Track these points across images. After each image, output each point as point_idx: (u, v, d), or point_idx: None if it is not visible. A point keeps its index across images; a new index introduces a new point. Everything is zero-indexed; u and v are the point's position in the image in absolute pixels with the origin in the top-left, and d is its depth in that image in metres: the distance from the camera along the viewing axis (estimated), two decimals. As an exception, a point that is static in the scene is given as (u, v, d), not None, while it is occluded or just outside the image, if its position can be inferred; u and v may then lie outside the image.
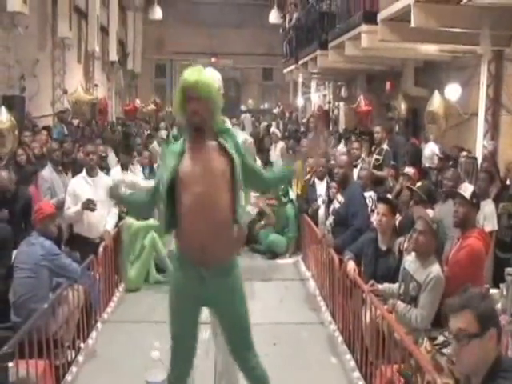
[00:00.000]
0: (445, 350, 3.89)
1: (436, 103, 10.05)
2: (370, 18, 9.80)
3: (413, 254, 4.56)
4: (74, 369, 4.70)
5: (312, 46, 15.33)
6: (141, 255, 6.63)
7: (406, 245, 4.92)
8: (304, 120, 20.05)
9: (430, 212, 5.21)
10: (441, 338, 4.03)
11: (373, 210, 6.24)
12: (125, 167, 8.05)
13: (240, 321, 3.29)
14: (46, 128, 11.14)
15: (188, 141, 3.22)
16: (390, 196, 6.51)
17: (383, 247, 5.12)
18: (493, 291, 5.06)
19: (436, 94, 10.10)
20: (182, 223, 3.13)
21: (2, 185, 6.08)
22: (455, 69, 11.11)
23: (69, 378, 4.56)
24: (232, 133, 3.38)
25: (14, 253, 5.17)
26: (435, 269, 4.32)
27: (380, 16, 9.22)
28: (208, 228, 3.05)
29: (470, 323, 2.27)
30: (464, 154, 8.89)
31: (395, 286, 4.69)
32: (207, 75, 3.25)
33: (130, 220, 6.63)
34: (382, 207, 5.18)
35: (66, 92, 15.16)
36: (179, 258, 3.25)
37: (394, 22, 9.11)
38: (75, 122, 14.63)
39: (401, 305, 4.40)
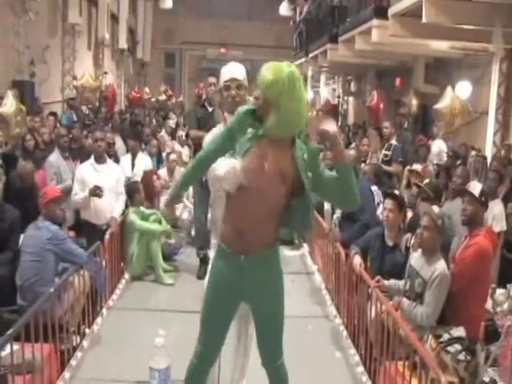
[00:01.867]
0: (450, 348, 3.90)
1: (447, 100, 10.00)
2: (381, 12, 9.80)
3: (419, 250, 4.55)
4: (78, 354, 4.71)
5: (322, 40, 15.31)
6: (141, 242, 6.60)
7: (412, 241, 4.92)
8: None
9: (435, 208, 5.19)
10: (446, 336, 4.04)
11: (378, 204, 6.23)
12: (134, 155, 8.05)
13: (275, 319, 3.23)
14: (53, 114, 11.14)
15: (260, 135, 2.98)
16: (396, 192, 6.49)
17: (390, 243, 5.11)
18: (499, 291, 5.07)
19: (449, 90, 10.05)
20: (227, 210, 3.11)
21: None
22: (466, 66, 11.08)
23: (74, 362, 4.57)
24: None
25: (22, 237, 5.20)
26: (441, 266, 4.31)
27: (391, 11, 9.20)
28: (250, 217, 2.99)
29: None
30: (473, 153, 8.89)
31: (401, 282, 4.68)
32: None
33: (132, 217, 6.60)
34: (389, 203, 5.16)
35: (75, 78, 15.16)
36: (219, 246, 3.17)
37: (405, 17, 9.11)
38: (84, 108, 14.63)
39: (406, 302, 4.39)
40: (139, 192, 6.74)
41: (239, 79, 3.93)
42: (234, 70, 3.98)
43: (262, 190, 2.95)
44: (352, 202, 3.03)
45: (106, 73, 19.00)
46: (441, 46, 10.49)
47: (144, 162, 8.20)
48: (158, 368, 3.36)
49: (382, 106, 13.15)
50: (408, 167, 7.21)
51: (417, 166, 6.86)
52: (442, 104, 10.03)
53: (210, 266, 3.31)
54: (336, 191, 2.98)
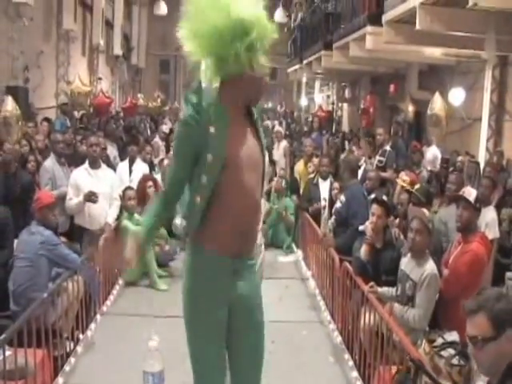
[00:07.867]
0: (443, 353, 3.90)
1: (438, 106, 10.01)
2: (375, 19, 9.84)
3: (408, 254, 4.54)
4: (72, 360, 4.68)
5: (316, 46, 15.38)
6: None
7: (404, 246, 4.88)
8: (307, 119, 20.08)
9: (425, 211, 5.16)
10: (439, 341, 4.03)
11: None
12: (132, 161, 8.02)
13: (259, 327, 2.90)
14: (47, 119, 11.09)
15: (229, 113, 2.74)
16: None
17: (378, 245, 5.05)
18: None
19: (437, 96, 10.06)
20: (223, 211, 2.72)
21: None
22: (459, 73, 11.13)
23: (67, 368, 4.54)
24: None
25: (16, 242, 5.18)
26: (429, 266, 4.31)
27: (385, 18, 9.24)
28: (250, 214, 2.78)
29: (483, 327, 2.19)
30: (459, 158, 8.90)
31: (394, 289, 4.68)
32: None
33: (125, 222, 6.58)
34: (376, 208, 5.12)
35: (68, 83, 15.12)
36: (207, 254, 2.77)
37: (399, 24, 9.15)
38: (76, 113, 14.56)
39: (398, 307, 4.39)
40: (132, 199, 6.70)
41: None
42: None
43: (254, 180, 2.77)
44: None
45: (100, 78, 18.97)
46: (434, 52, 10.55)
47: (141, 168, 8.16)
48: (151, 371, 3.33)
49: (372, 109, 13.23)
50: (399, 180, 7.01)
51: (404, 177, 6.66)
52: (434, 110, 9.99)
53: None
54: None
